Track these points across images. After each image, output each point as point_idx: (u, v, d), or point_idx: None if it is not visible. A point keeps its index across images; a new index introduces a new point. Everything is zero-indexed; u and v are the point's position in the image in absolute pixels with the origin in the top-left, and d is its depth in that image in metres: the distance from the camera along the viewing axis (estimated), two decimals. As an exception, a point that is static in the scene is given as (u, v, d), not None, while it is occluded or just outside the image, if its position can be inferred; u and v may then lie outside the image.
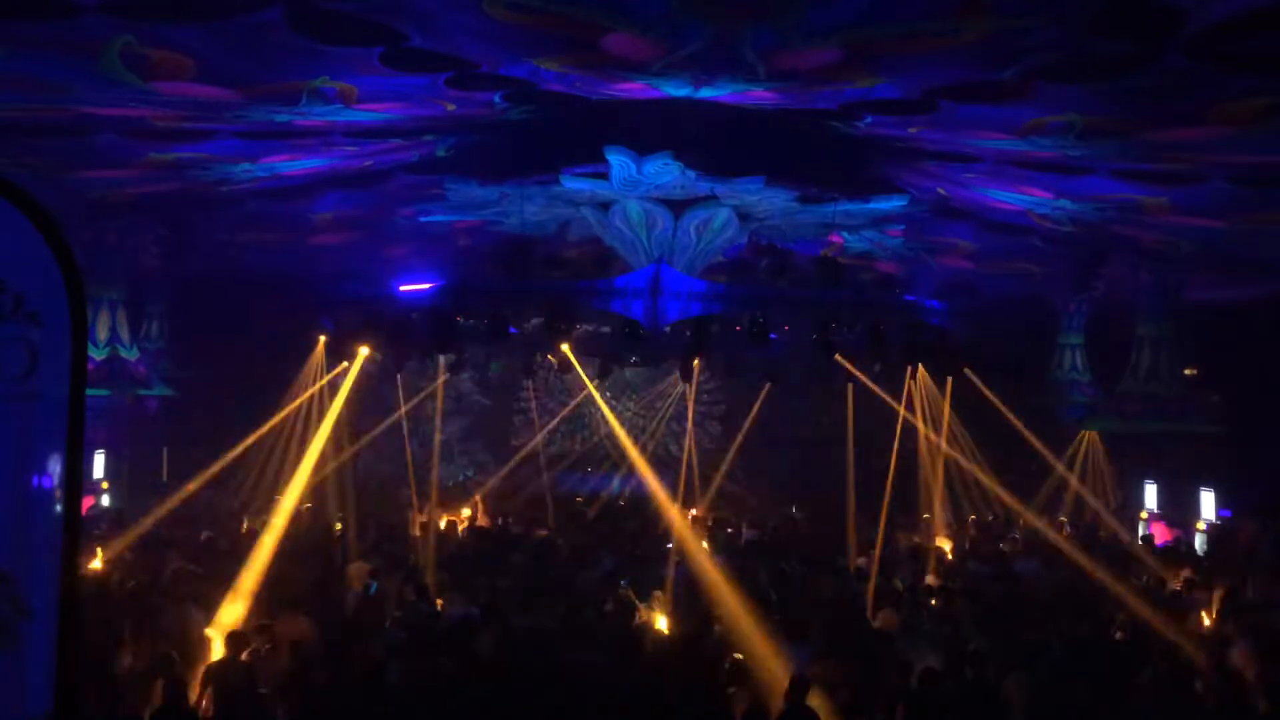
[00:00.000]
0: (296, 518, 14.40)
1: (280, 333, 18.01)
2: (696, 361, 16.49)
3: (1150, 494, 18.02)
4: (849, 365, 14.49)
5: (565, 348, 15.17)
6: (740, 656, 8.58)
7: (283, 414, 16.77)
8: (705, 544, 14.29)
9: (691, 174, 12.80)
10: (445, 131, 12.93)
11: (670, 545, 14.15)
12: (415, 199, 15.66)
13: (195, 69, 9.15)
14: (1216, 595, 11.54)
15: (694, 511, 17.89)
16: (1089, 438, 19.27)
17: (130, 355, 17.03)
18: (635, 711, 7.54)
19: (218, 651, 8.50)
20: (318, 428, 15.47)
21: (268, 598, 10.10)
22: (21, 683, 2.95)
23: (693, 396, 18.33)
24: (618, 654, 8.85)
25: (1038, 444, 17.74)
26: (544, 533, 16.16)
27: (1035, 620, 10.38)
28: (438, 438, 17.57)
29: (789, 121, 11.78)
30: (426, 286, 13.77)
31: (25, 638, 2.94)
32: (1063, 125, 10.28)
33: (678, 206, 14.22)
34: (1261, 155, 10.76)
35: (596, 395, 20.77)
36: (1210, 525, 16.73)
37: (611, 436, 23.16)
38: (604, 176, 13.10)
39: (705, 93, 10.62)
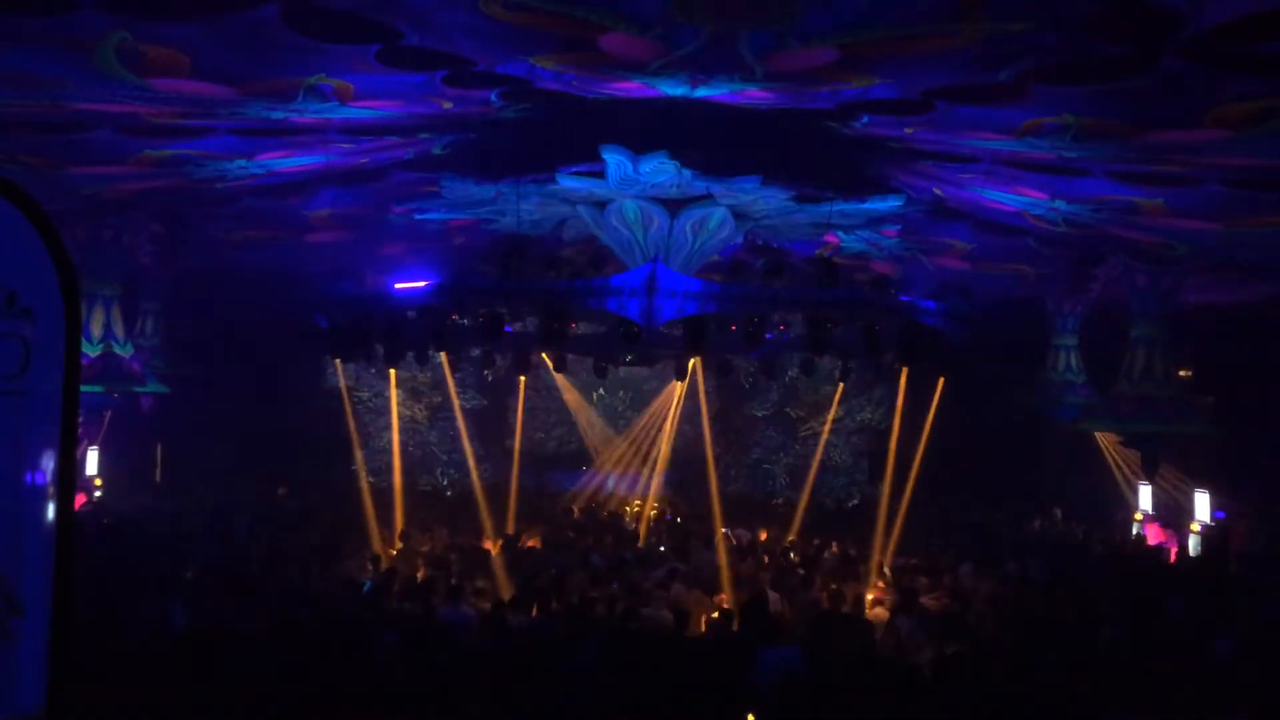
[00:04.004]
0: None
1: (275, 330, 18.02)
2: (693, 361, 16.55)
3: (1145, 495, 18.05)
4: None
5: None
6: None
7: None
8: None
9: (688, 173, 12.81)
10: (441, 129, 12.93)
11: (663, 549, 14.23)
12: (411, 197, 15.65)
13: (191, 65, 9.14)
14: None
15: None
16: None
17: (124, 352, 16.99)
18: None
19: None
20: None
21: None
22: (14, 680, 2.95)
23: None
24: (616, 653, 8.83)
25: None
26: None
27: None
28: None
29: (785, 121, 11.79)
30: (421, 285, 13.75)
31: (18, 635, 2.94)
32: (1059, 126, 10.30)
33: (674, 205, 14.23)
34: (1257, 158, 10.78)
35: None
36: (1204, 526, 16.77)
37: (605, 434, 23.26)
38: (600, 175, 13.10)
39: (702, 92, 10.62)
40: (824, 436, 21.59)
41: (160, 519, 15.95)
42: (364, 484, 17.08)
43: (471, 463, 17.25)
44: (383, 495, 20.17)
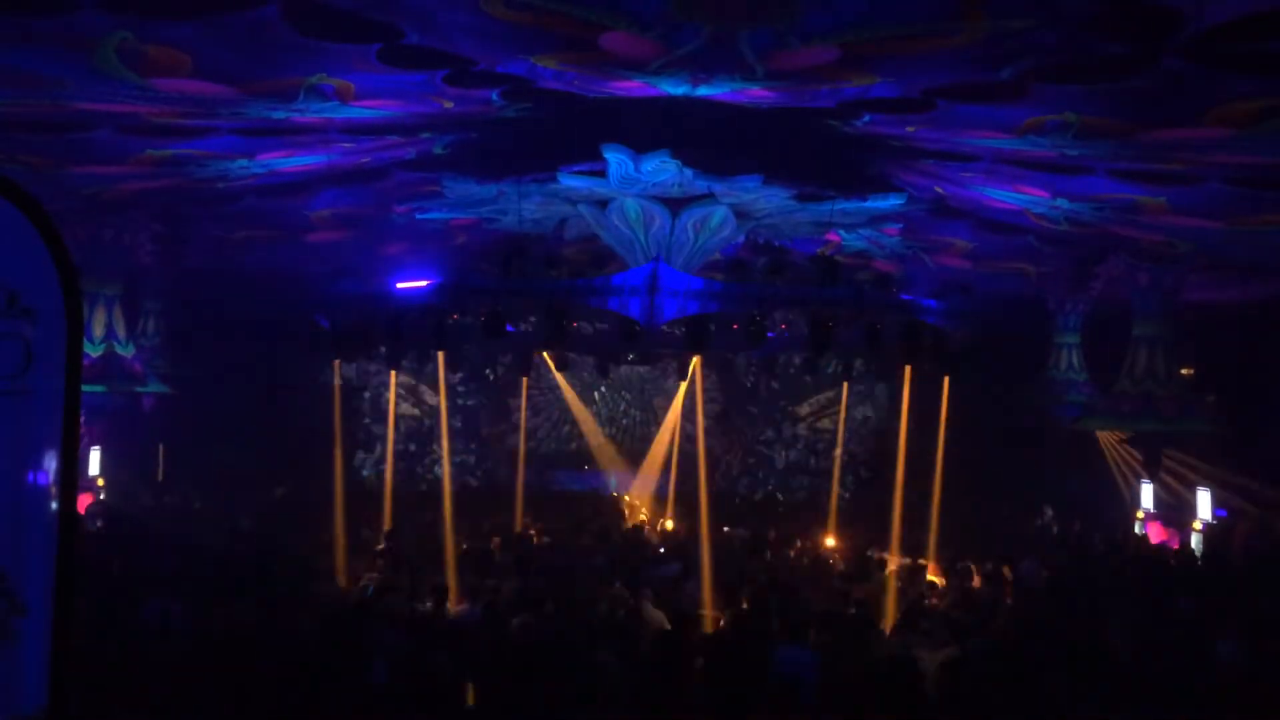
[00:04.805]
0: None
1: (276, 330, 18.00)
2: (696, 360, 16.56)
3: (1146, 494, 18.04)
4: None
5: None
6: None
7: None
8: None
9: (689, 172, 12.79)
10: (443, 129, 12.93)
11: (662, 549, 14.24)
12: (412, 196, 15.65)
13: (192, 65, 9.14)
14: None
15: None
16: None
17: (126, 352, 17.01)
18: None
19: None
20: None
21: None
22: (16, 679, 2.95)
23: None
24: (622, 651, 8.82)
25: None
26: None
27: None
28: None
29: (787, 120, 11.78)
30: (423, 284, 13.74)
31: (20, 634, 2.94)
32: (1060, 124, 10.29)
33: (675, 204, 14.21)
34: (1259, 156, 10.78)
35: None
36: (1206, 525, 16.74)
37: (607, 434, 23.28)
38: (602, 174, 13.09)
39: (703, 91, 10.62)
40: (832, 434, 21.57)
41: (161, 518, 15.97)
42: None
43: (446, 461, 17.02)
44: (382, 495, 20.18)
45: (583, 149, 12.45)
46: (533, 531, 16.65)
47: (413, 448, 22.68)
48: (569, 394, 22.67)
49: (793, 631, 9.11)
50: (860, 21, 8.08)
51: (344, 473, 18.83)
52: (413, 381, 22.20)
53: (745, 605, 10.92)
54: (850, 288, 14.80)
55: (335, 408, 16.54)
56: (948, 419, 16.48)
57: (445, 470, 16.15)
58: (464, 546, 14.37)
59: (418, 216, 16.41)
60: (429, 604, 10.52)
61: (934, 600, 12.06)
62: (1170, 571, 14.01)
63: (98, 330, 16.41)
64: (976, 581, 13.01)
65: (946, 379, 14.69)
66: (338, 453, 16.11)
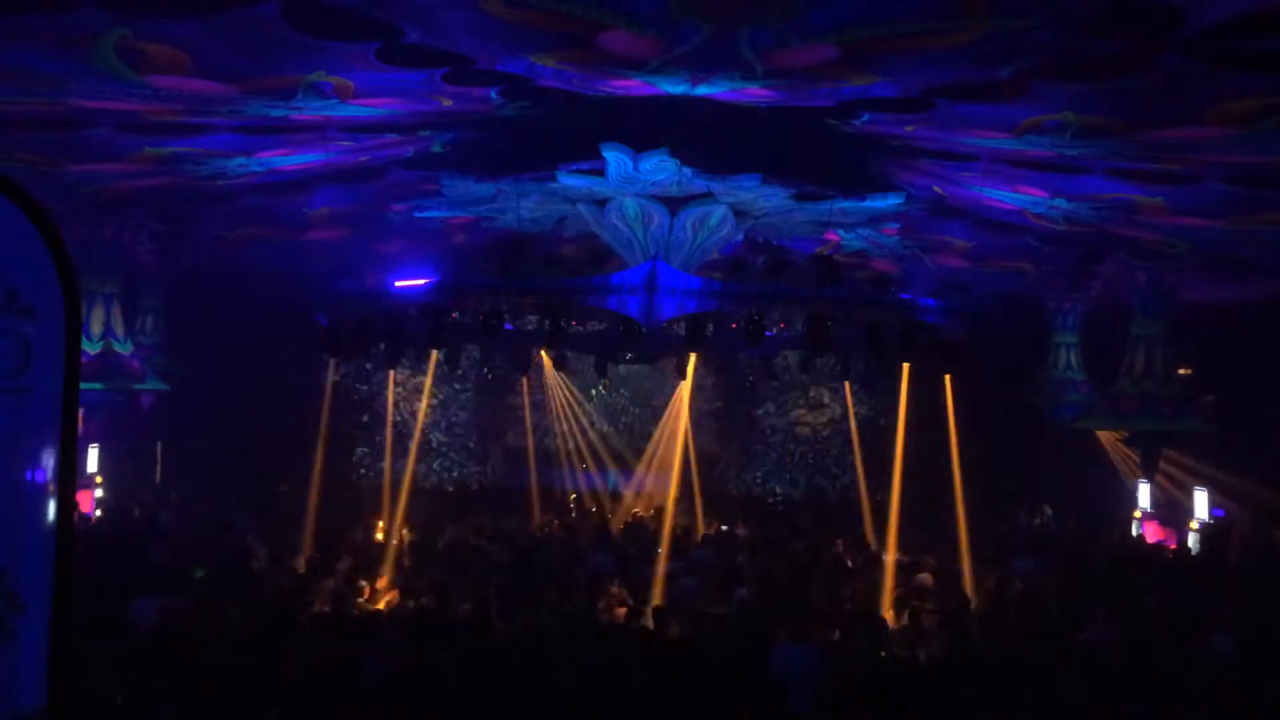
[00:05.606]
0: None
1: (274, 328, 18.01)
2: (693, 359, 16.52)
3: (1144, 493, 18.05)
4: None
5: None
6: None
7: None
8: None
9: (688, 171, 12.79)
10: (441, 127, 12.91)
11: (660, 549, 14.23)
12: (411, 195, 15.64)
13: (191, 63, 9.13)
14: None
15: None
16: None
17: (124, 349, 16.98)
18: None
19: None
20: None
21: None
22: (14, 677, 2.94)
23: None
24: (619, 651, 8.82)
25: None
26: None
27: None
28: None
29: (786, 119, 11.78)
30: (421, 283, 13.73)
31: (18, 632, 2.93)
32: (1059, 124, 10.29)
33: (674, 203, 14.20)
34: (1258, 155, 10.78)
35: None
36: (1203, 524, 16.76)
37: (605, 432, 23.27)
38: (601, 173, 13.09)
39: (702, 90, 10.61)
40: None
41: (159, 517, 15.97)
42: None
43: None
44: (379, 493, 20.14)
45: (582, 148, 12.46)
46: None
47: (411, 445, 22.63)
48: (567, 392, 22.69)
49: (795, 630, 9.10)
50: (860, 20, 8.08)
51: (339, 471, 18.84)
52: (410, 380, 22.18)
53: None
54: (849, 287, 14.82)
55: (325, 406, 16.55)
56: (946, 417, 16.51)
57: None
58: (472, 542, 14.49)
59: (416, 215, 16.40)
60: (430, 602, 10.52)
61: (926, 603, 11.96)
62: (1167, 570, 14.03)
63: (96, 328, 16.38)
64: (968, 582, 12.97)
65: (949, 378, 14.68)
66: (320, 451, 16.09)
